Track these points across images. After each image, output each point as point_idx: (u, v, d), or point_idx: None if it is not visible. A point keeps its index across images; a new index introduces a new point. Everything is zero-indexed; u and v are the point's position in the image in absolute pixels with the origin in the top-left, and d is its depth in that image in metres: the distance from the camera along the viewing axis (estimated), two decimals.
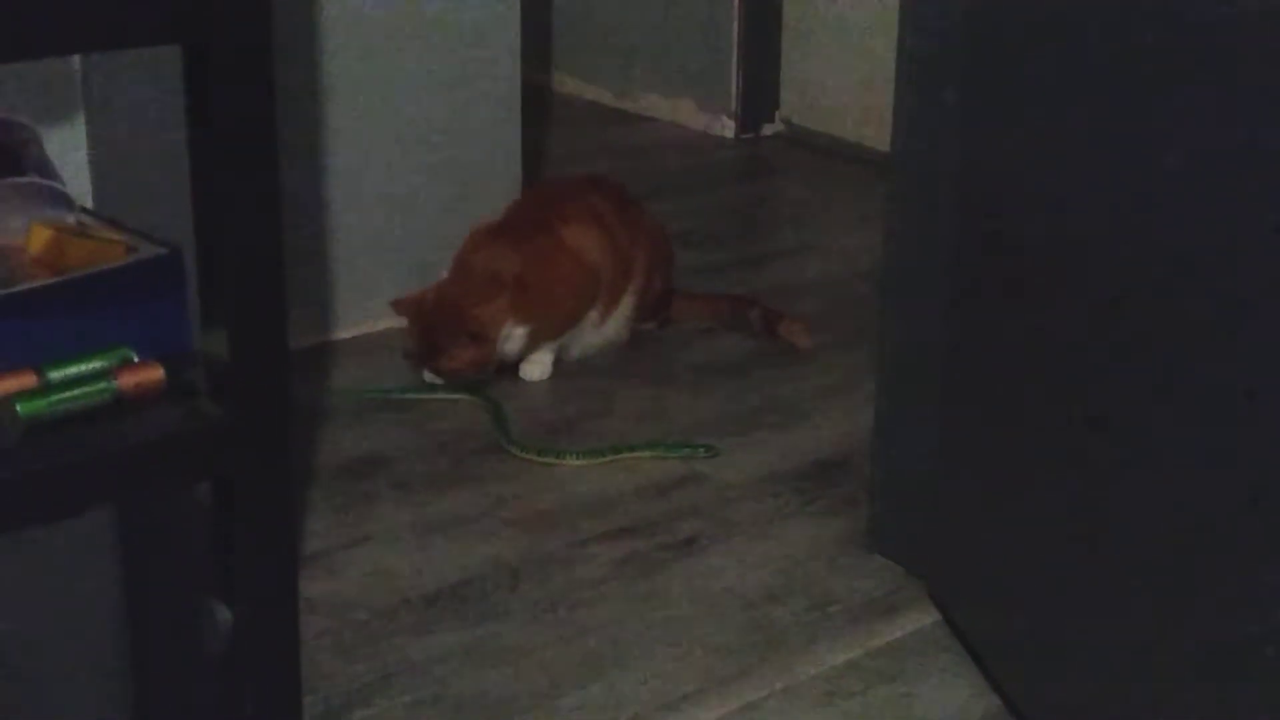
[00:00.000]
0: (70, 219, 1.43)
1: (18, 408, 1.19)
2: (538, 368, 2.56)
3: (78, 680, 1.51)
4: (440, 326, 2.46)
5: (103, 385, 1.23)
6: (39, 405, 1.20)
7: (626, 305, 2.63)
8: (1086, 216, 1.55)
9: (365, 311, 2.72)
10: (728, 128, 3.94)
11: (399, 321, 2.73)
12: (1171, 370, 1.44)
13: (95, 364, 1.24)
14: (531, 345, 2.52)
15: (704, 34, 3.92)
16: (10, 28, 1.08)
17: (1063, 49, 1.57)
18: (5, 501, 1.17)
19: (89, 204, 1.87)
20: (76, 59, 2.06)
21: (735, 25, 3.86)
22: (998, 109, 1.72)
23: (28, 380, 1.22)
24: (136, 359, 1.26)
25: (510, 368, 2.56)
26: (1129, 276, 1.49)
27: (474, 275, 2.49)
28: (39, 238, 1.37)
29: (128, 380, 1.24)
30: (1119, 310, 1.51)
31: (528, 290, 2.48)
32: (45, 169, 1.47)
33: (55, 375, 1.23)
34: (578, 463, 2.32)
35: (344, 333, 2.70)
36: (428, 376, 2.48)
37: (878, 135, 2.97)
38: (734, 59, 3.89)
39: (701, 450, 2.35)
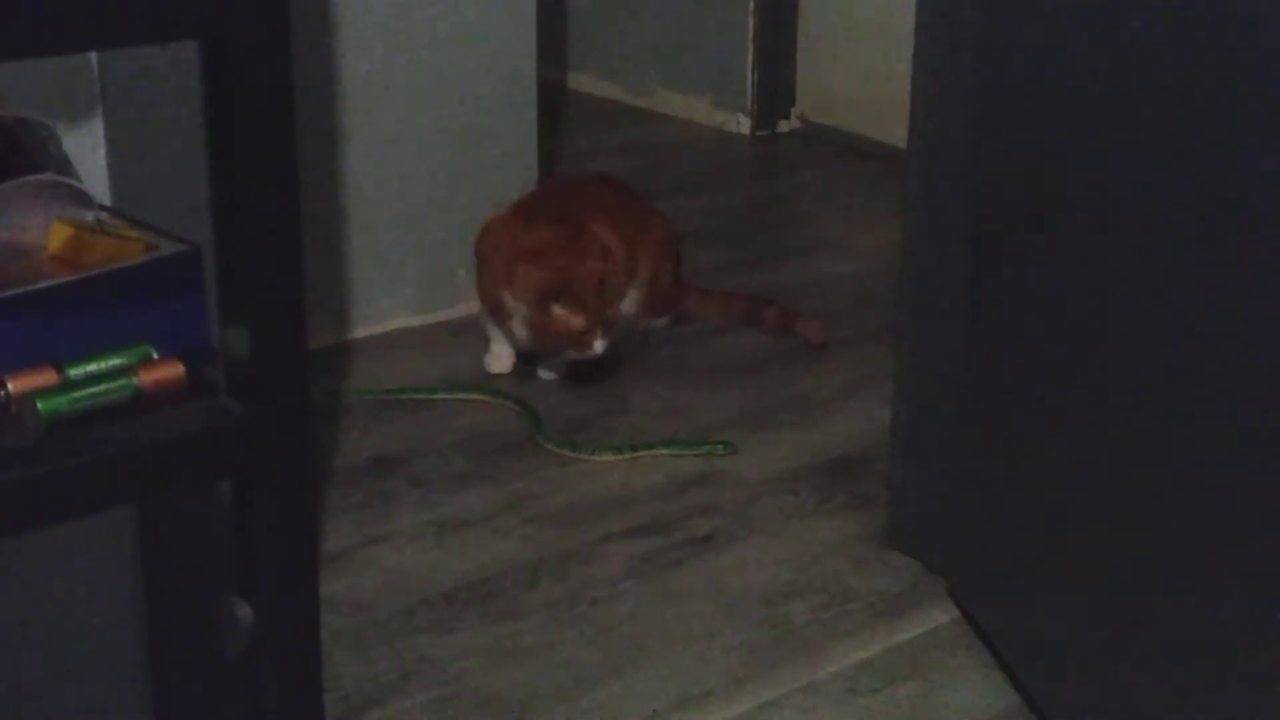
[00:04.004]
0: (89, 216, 1.42)
1: (38, 405, 1.18)
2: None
3: (98, 678, 1.51)
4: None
5: (122, 382, 1.23)
6: (59, 402, 1.20)
7: (632, 300, 2.62)
8: (1110, 208, 1.54)
9: (381, 311, 2.72)
10: (743, 125, 3.94)
11: (414, 320, 2.74)
12: (1197, 369, 1.43)
13: (115, 361, 1.24)
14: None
15: (719, 31, 3.92)
16: (27, 25, 1.08)
17: (1081, 42, 1.57)
18: (25, 499, 1.16)
19: (107, 201, 1.87)
20: (94, 56, 2.06)
21: (751, 22, 3.86)
22: (1016, 104, 1.72)
23: (48, 377, 1.21)
24: (156, 356, 1.25)
25: (530, 365, 2.56)
26: (1153, 272, 1.48)
27: (547, 252, 2.45)
28: (58, 235, 1.37)
29: (147, 377, 1.23)
30: (1141, 306, 1.50)
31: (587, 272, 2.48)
32: (64, 167, 1.46)
33: (75, 372, 1.22)
34: (596, 458, 2.32)
35: (360, 332, 2.70)
36: (599, 346, 2.40)
37: (894, 131, 2.95)
38: (749, 56, 3.88)
39: (720, 447, 2.35)
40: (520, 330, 2.49)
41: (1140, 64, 1.47)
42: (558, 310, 2.40)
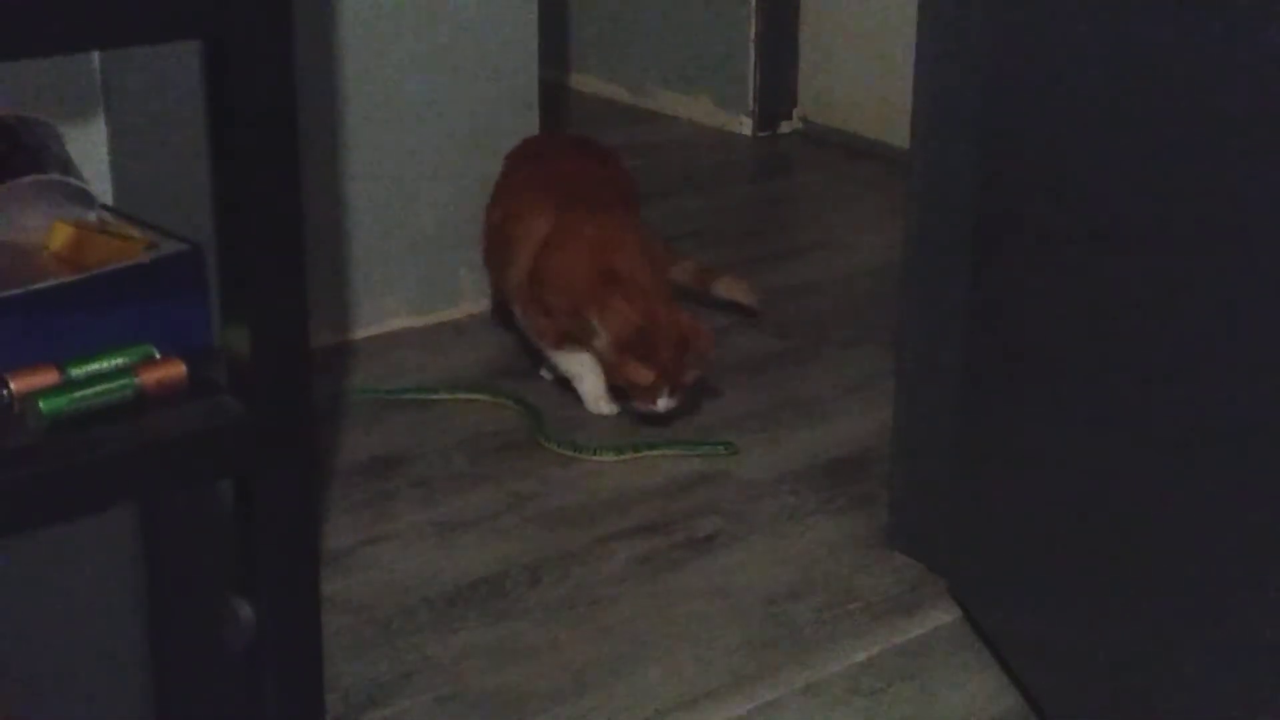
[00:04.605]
0: (91, 216, 1.43)
1: (40, 405, 1.19)
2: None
3: (99, 677, 1.51)
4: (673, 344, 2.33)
5: (124, 382, 1.23)
6: (60, 402, 1.20)
7: None
8: (1110, 210, 1.54)
9: (382, 311, 2.72)
10: (745, 125, 3.94)
11: (416, 320, 2.74)
12: (1199, 370, 1.43)
13: (116, 361, 1.24)
14: None
15: (721, 31, 3.92)
16: (30, 24, 1.08)
17: (1083, 42, 1.57)
18: (27, 499, 1.16)
19: (109, 201, 1.87)
20: (96, 56, 2.06)
21: (752, 22, 3.86)
22: (1018, 105, 1.72)
23: (49, 377, 1.21)
24: (158, 356, 1.25)
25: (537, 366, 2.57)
26: (1155, 270, 1.48)
27: (641, 287, 2.35)
28: (60, 235, 1.37)
29: (149, 377, 1.23)
30: (1143, 306, 1.50)
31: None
32: (66, 167, 1.47)
33: (77, 372, 1.22)
34: (597, 458, 2.32)
35: (360, 332, 2.70)
36: (663, 405, 2.34)
37: (895, 132, 2.96)
38: (751, 56, 3.88)
39: (721, 448, 2.35)
40: (599, 348, 2.39)
41: (1143, 63, 1.47)
42: (631, 360, 2.34)
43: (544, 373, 2.55)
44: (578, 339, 2.41)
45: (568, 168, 2.60)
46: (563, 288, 2.40)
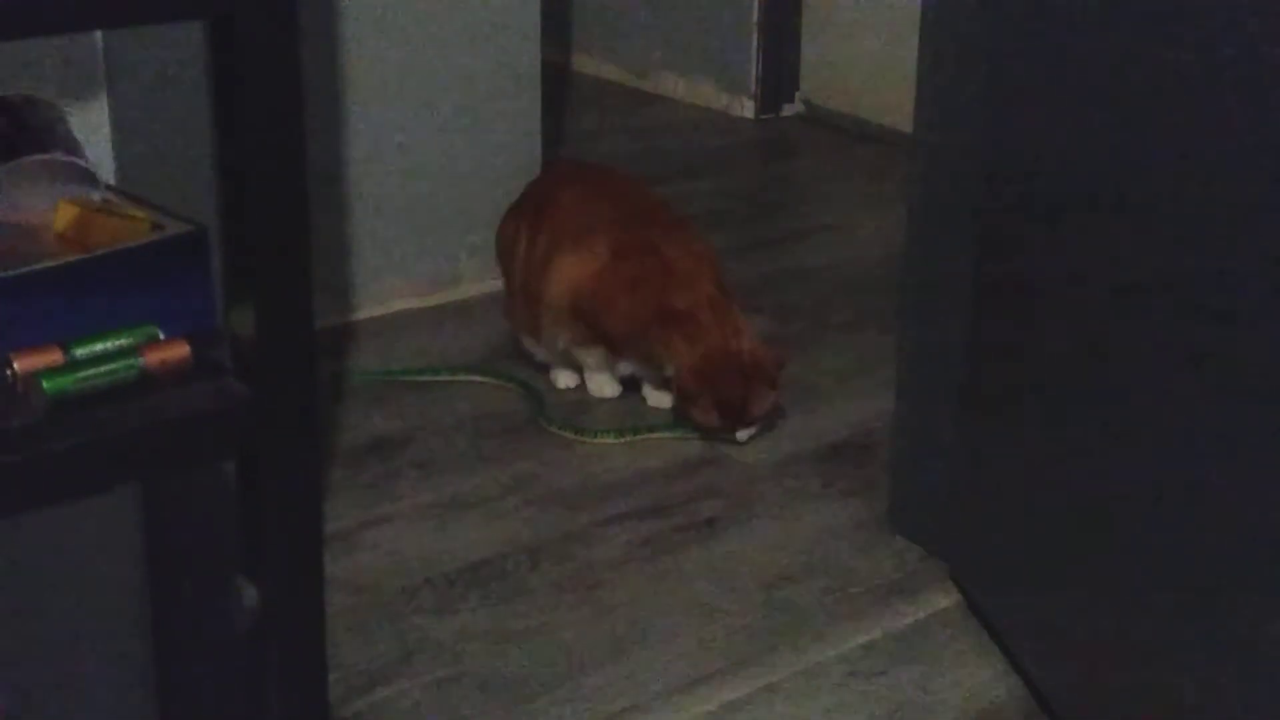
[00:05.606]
0: (96, 196, 1.42)
1: (44, 384, 1.19)
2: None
3: (103, 657, 1.51)
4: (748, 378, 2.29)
5: (128, 362, 1.23)
6: (64, 382, 1.20)
7: None
8: (1114, 194, 1.54)
9: (384, 292, 2.72)
10: (747, 108, 3.93)
11: (418, 301, 2.74)
12: (1199, 354, 1.43)
13: (121, 341, 1.24)
14: None
15: (724, 14, 3.91)
16: (34, 3, 1.07)
17: (1088, 27, 1.56)
18: (30, 479, 1.16)
19: (113, 181, 1.86)
20: (99, 35, 2.06)
21: (755, 5, 3.85)
22: (1022, 88, 1.72)
23: (53, 357, 1.21)
24: (162, 336, 1.25)
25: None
26: (1157, 256, 1.48)
27: (710, 330, 2.29)
28: (65, 215, 1.37)
29: (153, 358, 1.23)
30: (1147, 290, 1.50)
31: None
32: (72, 147, 1.46)
33: (80, 352, 1.22)
34: (598, 440, 2.32)
35: (363, 313, 2.70)
36: (741, 436, 2.30)
37: (898, 116, 2.95)
38: (754, 39, 3.88)
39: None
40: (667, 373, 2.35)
41: (1148, 48, 1.46)
42: (694, 405, 2.28)
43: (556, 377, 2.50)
44: (637, 357, 2.37)
45: (617, 192, 2.50)
46: (625, 316, 2.33)
